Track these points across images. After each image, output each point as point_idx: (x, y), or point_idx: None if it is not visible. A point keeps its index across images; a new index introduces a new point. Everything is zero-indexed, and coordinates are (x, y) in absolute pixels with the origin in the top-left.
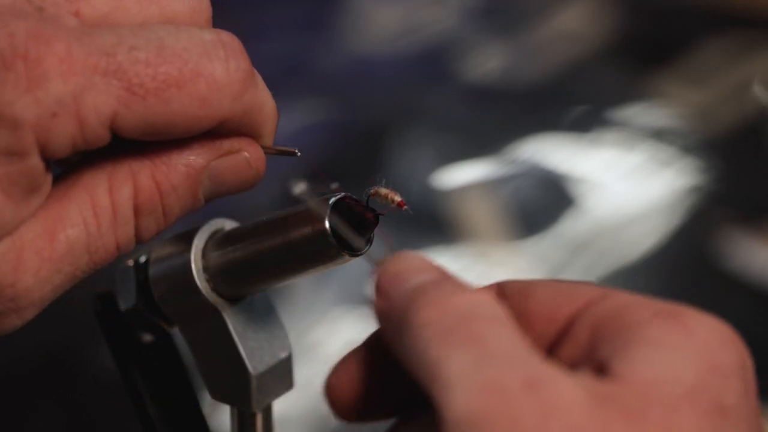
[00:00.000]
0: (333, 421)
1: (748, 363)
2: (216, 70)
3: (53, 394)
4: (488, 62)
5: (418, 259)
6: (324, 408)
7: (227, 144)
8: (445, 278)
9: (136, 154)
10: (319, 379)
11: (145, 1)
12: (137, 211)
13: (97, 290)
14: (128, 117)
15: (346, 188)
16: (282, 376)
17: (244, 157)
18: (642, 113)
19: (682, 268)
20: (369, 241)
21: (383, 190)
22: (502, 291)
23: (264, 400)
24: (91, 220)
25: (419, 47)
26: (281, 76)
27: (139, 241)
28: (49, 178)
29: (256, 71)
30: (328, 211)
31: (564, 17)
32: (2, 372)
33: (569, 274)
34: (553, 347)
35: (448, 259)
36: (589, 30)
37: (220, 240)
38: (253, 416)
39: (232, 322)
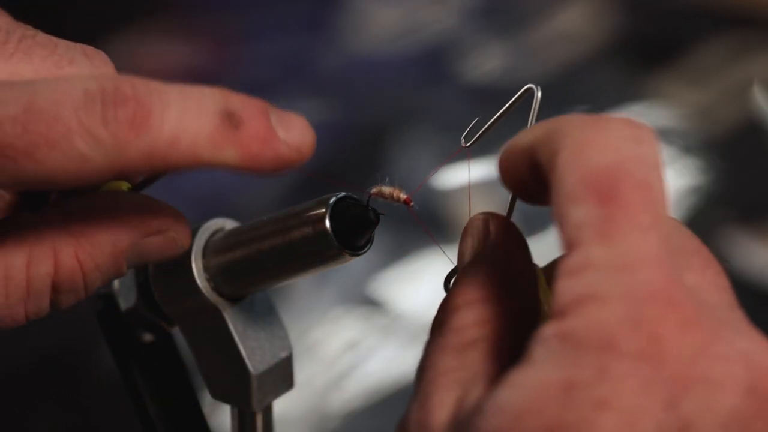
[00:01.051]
0: (333, 421)
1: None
2: (92, 123)
3: (53, 395)
4: (488, 62)
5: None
6: (324, 408)
7: (155, 224)
8: None
9: (61, 228)
10: (319, 379)
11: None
12: (55, 288)
13: (98, 290)
14: (2, 177)
15: (346, 188)
16: (282, 375)
17: (171, 236)
18: (642, 113)
19: None
20: (369, 241)
21: (387, 189)
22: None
23: (264, 399)
24: (0, 290)
25: (419, 47)
26: (281, 76)
27: (55, 310)
28: None
29: (156, 110)
30: (329, 211)
31: (564, 17)
32: (2, 372)
33: None
34: None
35: (447, 260)
36: (589, 30)
37: (221, 240)
38: (253, 416)
39: (233, 322)
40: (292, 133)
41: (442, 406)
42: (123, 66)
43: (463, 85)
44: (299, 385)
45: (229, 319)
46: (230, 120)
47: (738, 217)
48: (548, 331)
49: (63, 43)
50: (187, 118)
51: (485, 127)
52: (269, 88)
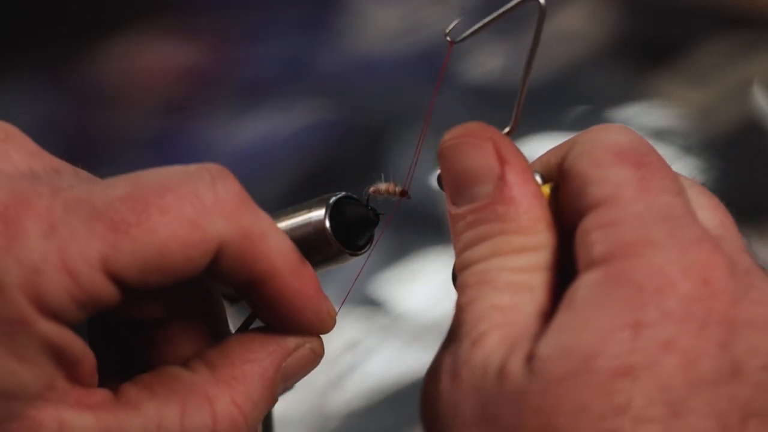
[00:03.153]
0: (333, 421)
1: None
2: (201, 190)
3: None
4: (488, 62)
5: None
6: (324, 408)
7: (292, 342)
8: None
9: (210, 377)
10: (319, 379)
11: None
12: None
13: None
14: (119, 257)
15: (346, 188)
16: None
17: (309, 348)
18: (642, 113)
19: None
20: (369, 241)
21: (383, 185)
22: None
23: None
24: None
25: (419, 47)
26: (281, 76)
27: None
28: (82, 345)
29: (252, 202)
30: (329, 211)
31: (564, 17)
32: None
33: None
34: None
35: (448, 259)
36: (589, 30)
37: None
38: None
39: (232, 322)
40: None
41: (505, 346)
42: (123, 66)
43: (463, 85)
44: (299, 385)
45: (229, 319)
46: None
47: (738, 217)
48: (597, 275)
49: None
50: (273, 227)
51: (476, 26)
52: (269, 88)
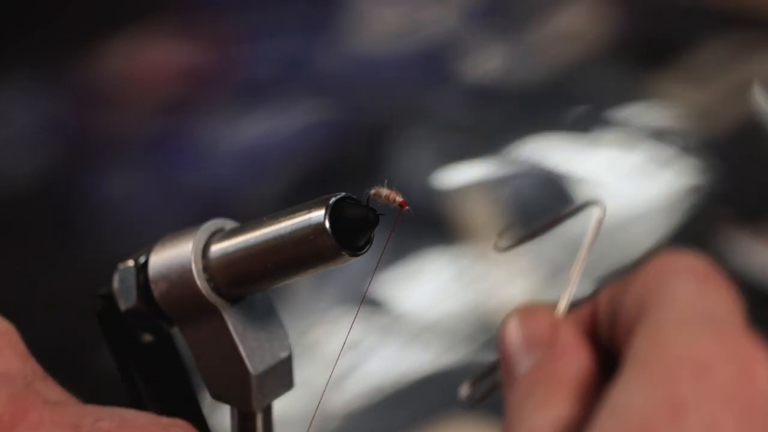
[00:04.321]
0: (333, 421)
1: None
2: None
3: None
4: (488, 62)
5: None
6: (324, 408)
7: None
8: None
9: None
10: (319, 379)
11: None
12: None
13: (97, 290)
14: None
15: (346, 188)
16: (282, 376)
17: None
18: (642, 113)
19: None
20: (369, 241)
21: (384, 191)
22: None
23: (264, 400)
24: None
25: (419, 47)
26: (281, 76)
27: None
28: None
29: None
30: (328, 211)
31: (564, 17)
32: None
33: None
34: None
35: (448, 259)
36: (589, 30)
37: (221, 240)
38: (253, 416)
39: (232, 322)
40: None
41: None
42: (123, 66)
43: (463, 85)
44: (299, 385)
45: (228, 319)
46: None
47: (738, 217)
48: (642, 356)
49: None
50: None
51: (527, 234)
52: (269, 88)
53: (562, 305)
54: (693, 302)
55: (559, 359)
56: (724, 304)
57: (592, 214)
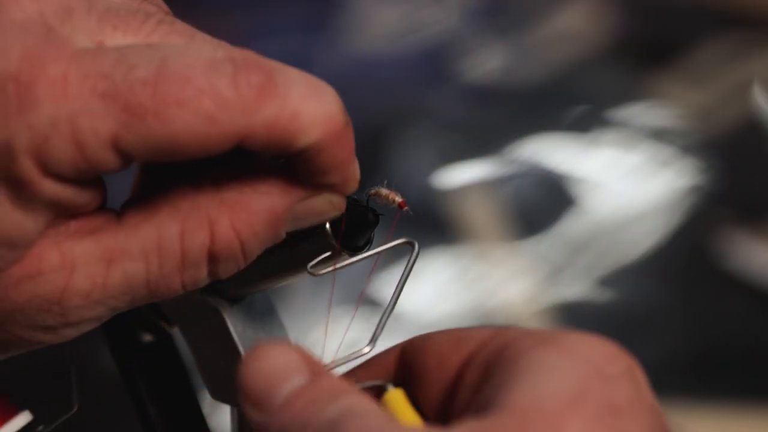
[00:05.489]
0: None
1: (636, 367)
2: (222, 85)
3: None
4: (488, 62)
5: (282, 357)
6: None
7: (310, 187)
8: (314, 381)
9: (215, 197)
10: None
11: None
12: (212, 258)
13: None
14: (130, 139)
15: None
16: None
17: (326, 198)
18: (642, 113)
19: (682, 268)
20: (369, 241)
21: (384, 191)
22: (404, 350)
23: None
24: (153, 259)
25: (419, 47)
26: None
27: (215, 279)
28: (87, 195)
29: (282, 80)
30: None
31: (564, 17)
32: None
33: (569, 274)
34: (449, 398)
35: (448, 259)
36: (589, 30)
37: None
38: None
39: (232, 322)
40: None
41: None
42: None
43: (463, 85)
44: None
45: (228, 319)
46: (346, 119)
47: (738, 217)
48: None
49: (200, 36)
50: (308, 101)
51: (340, 264)
52: None
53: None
54: (564, 382)
55: (324, 380)
56: (604, 389)
57: (412, 251)
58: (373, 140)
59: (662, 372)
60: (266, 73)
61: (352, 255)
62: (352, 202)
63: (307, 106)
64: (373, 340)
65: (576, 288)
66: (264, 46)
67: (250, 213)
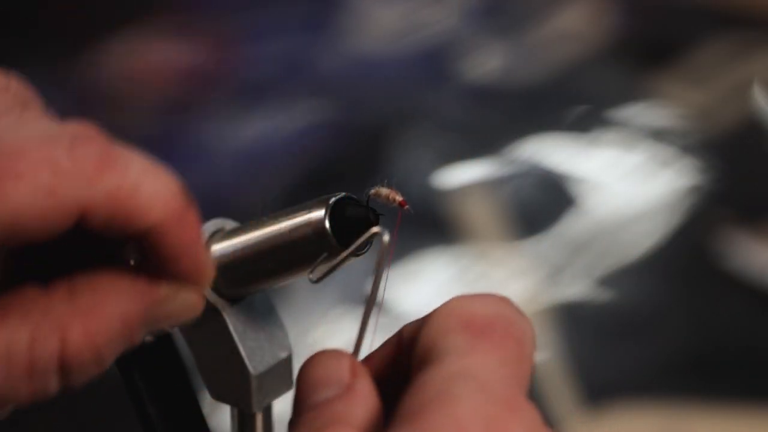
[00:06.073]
0: None
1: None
2: (59, 156)
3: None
4: (488, 62)
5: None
6: None
7: (165, 289)
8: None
9: (68, 303)
10: None
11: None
12: (64, 366)
13: None
14: None
15: (346, 188)
16: (282, 376)
17: (182, 299)
18: (642, 113)
19: (682, 268)
20: (369, 242)
21: (384, 190)
22: (401, 336)
23: (264, 400)
24: (1, 368)
25: (419, 47)
26: (281, 76)
27: (68, 387)
28: None
29: (119, 155)
30: (328, 211)
31: (564, 17)
32: None
33: (569, 274)
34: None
35: (448, 259)
36: (589, 30)
37: (220, 240)
38: (253, 416)
39: (232, 322)
40: None
41: None
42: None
43: (463, 85)
44: None
45: (228, 319)
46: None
47: (738, 217)
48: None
49: (35, 113)
50: (148, 176)
51: (333, 264)
52: (269, 88)
53: (360, 346)
54: (461, 362)
55: (351, 401)
56: (491, 365)
57: (381, 243)
58: (373, 140)
59: (662, 372)
60: (104, 146)
61: (352, 255)
62: (352, 203)
63: (147, 181)
64: (355, 352)
65: (576, 288)
66: (264, 46)
67: (104, 320)
